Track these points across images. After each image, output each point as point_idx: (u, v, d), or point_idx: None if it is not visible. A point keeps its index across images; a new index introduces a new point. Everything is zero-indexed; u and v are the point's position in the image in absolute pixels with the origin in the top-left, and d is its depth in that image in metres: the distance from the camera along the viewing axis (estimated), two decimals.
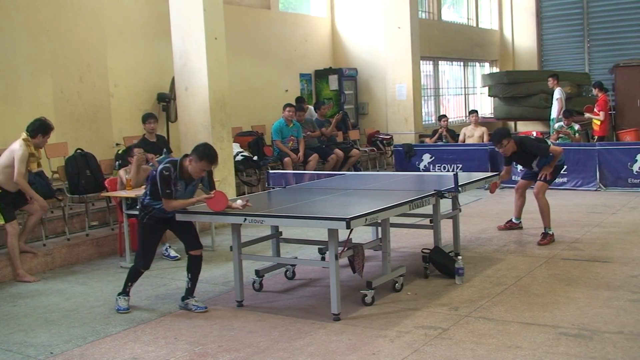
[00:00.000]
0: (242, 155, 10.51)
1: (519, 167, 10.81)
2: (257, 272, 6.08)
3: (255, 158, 10.74)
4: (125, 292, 5.71)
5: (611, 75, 16.98)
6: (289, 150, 10.98)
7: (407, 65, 14.48)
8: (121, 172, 7.70)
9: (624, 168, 10.63)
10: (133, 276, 5.72)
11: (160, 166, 5.46)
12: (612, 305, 5.11)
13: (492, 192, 7.54)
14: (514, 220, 8.11)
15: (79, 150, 8.65)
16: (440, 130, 13.32)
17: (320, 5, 15.65)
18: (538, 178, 7.44)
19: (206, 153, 5.42)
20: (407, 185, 7.35)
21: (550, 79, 13.63)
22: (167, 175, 5.37)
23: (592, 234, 7.68)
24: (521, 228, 8.06)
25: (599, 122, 13.48)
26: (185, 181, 5.51)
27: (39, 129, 6.92)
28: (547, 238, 7.32)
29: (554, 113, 13.38)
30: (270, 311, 5.46)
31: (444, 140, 13.20)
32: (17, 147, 6.79)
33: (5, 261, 6.96)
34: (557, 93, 13.43)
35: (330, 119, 12.86)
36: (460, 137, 13.04)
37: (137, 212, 7.06)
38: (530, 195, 7.72)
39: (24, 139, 6.84)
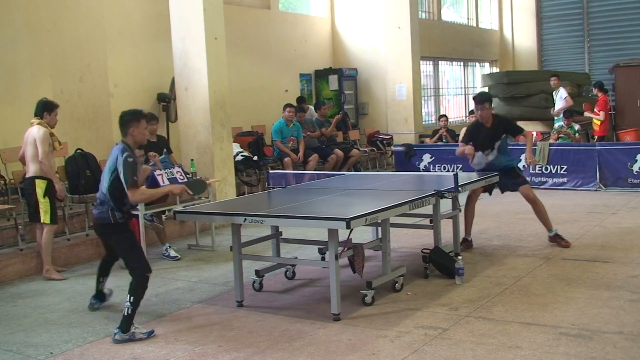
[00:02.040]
0: (242, 155, 10.51)
1: (519, 166, 10.86)
2: (257, 272, 6.08)
3: (255, 158, 10.74)
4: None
5: (611, 75, 16.98)
6: (289, 150, 10.98)
7: (407, 65, 14.49)
8: None
9: (624, 168, 10.62)
10: (144, 288, 5.02)
11: (124, 154, 5.01)
12: (612, 305, 5.11)
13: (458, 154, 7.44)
14: (466, 237, 7.30)
15: (79, 150, 8.64)
16: (440, 131, 13.32)
17: (320, 5, 15.65)
18: (526, 161, 7.37)
19: (135, 113, 5.17)
20: (407, 185, 7.35)
21: (553, 78, 13.52)
22: (132, 161, 4.97)
23: (592, 234, 7.68)
24: (472, 247, 7.25)
25: (599, 122, 13.48)
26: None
27: (43, 108, 6.99)
28: (564, 238, 7.12)
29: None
30: (270, 311, 5.45)
31: (444, 141, 13.20)
32: (35, 132, 6.86)
33: (5, 261, 6.97)
34: (564, 92, 13.34)
35: (330, 119, 12.86)
36: (460, 137, 13.01)
37: (136, 213, 7.10)
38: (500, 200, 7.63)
39: (38, 123, 6.90)
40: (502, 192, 7.57)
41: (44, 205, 6.86)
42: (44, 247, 6.91)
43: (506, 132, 7.24)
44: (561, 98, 13.32)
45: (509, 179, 7.25)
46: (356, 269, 5.68)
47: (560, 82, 13.71)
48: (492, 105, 7.31)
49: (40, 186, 6.85)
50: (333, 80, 15.04)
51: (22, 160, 7.15)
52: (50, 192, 6.91)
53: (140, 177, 7.43)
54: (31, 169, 6.90)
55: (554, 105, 13.71)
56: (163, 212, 7.90)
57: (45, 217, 6.87)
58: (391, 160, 13.96)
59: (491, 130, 7.17)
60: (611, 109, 15.59)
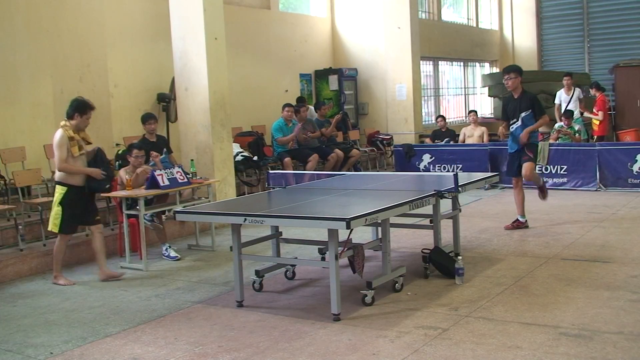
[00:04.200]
0: (242, 156, 10.51)
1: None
2: (257, 272, 6.08)
3: (255, 158, 10.74)
4: None
5: (611, 75, 16.97)
6: (290, 136, 10.96)
7: (407, 65, 14.49)
8: (121, 172, 7.70)
9: (624, 168, 10.62)
10: None
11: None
12: (612, 305, 5.11)
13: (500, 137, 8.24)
14: (519, 218, 8.10)
15: None
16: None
17: (320, 5, 15.65)
18: (519, 141, 7.72)
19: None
20: (407, 185, 7.35)
21: (566, 78, 13.21)
22: None
23: (592, 234, 7.68)
24: (527, 227, 8.04)
25: (598, 122, 13.45)
26: None
27: (76, 109, 6.54)
28: (520, 223, 8.01)
29: (577, 113, 13.11)
30: (270, 311, 5.45)
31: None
32: (55, 136, 6.53)
33: (5, 261, 6.97)
34: (580, 93, 13.24)
35: (330, 119, 12.86)
36: (460, 137, 13.05)
37: (136, 212, 7.11)
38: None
39: (62, 125, 6.55)
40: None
41: (55, 212, 6.55)
42: (54, 255, 6.72)
43: (532, 107, 7.75)
44: (579, 98, 13.15)
45: (523, 155, 7.82)
46: (356, 269, 5.68)
47: (559, 84, 13.64)
48: (520, 77, 7.85)
49: (58, 192, 6.54)
50: (333, 80, 15.04)
51: None
52: (66, 200, 6.52)
53: (136, 181, 7.47)
54: (57, 173, 6.60)
55: (553, 105, 13.62)
56: (163, 212, 7.90)
57: (52, 225, 6.59)
58: (391, 160, 13.96)
59: (518, 100, 7.81)
60: (611, 109, 15.56)
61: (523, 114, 7.72)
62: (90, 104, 6.66)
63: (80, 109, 6.56)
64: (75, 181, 6.56)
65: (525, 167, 7.79)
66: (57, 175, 6.59)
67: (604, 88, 14.08)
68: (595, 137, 13.50)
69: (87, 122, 6.64)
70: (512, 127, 7.85)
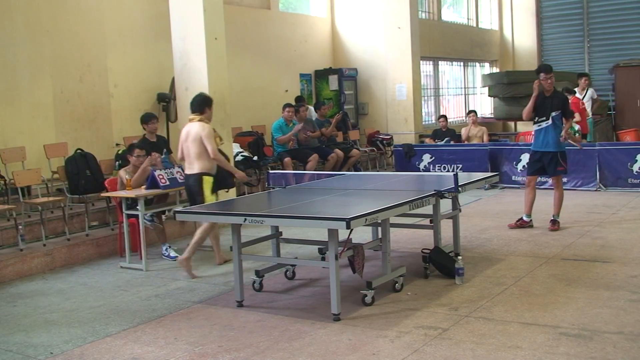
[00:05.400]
0: (242, 155, 10.51)
1: (519, 167, 10.91)
2: (257, 272, 6.08)
3: (255, 158, 10.74)
4: None
5: (611, 75, 16.96)
6: (289, 135, 10.94)
7: (407, 65, 14.48)
8: (121, 172, 7.70)
9: (624, 168, 10.62)
10: None
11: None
12: (612, 305, 5.11)
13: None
14: (524, 218, 8.11)
15: (79, 150, 8.65)
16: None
17: (320, 5, 15.65)
18: (561, 136, 7.76)
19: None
20: (407, 185, 7.35)
21: (585, 78, 13.30)
22: None
23: (592, 233, 7.68)
24: (531, 227, 8.04)
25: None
26: None
27: (205, 103, 6.86)
28: (556, 224, 7.89)
29: (589, 112, 13.08)
30: (270, 311, 5.46)
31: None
32: (199, 129, 6.71)
33: (5, 261, 6.97)
34: (594, 93, 13.28)
35: (330, 119, 12.85)
36: (463, 136, 13.02)
37: (136, 212, 7.11)
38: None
39: (199, 120, 6.77)
40: (542, 175, 8.32)
41: (211, 202, 6.71)
42: (196, 238, 6.78)
43: (562, 108, 7.84)
44: (592, 98, 13.16)
45: (553, 164, 7.85)
46: (356, 269, 5.68)
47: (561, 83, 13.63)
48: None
49: (207, 182, 6.76)
50: (333, 80, 15.03)
51: (181, 158, 7.07)
52: (215, 188, 6.87)
53: (140, 177, 7.48)
54: (196, 166, 6.77)
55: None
56: (163, 212, 7.90)
57: None
58: (391, 160, 13.96)
59: (550, 99, 7.82)
60: (610, 109, 15.53)
61: (554, 114, 7.76)
62: (211, 97, 7.09)
63: (209, 102, 6.92)
64: (230, 167, 7.04)
65: (557, 178, 8.00)
66: (201, 166, 6.77)
67: (574, 91, 14.02)
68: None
69: (212, 115, 7.01)
70: (541, 125, 7.85)
